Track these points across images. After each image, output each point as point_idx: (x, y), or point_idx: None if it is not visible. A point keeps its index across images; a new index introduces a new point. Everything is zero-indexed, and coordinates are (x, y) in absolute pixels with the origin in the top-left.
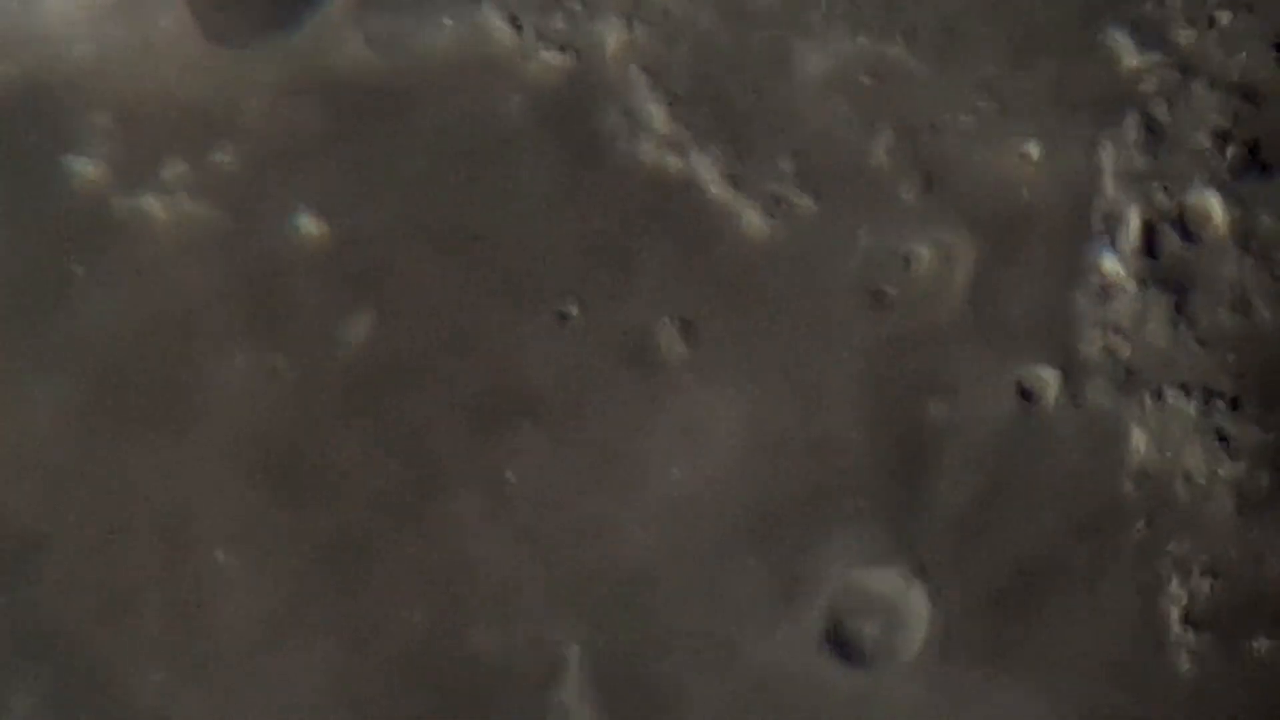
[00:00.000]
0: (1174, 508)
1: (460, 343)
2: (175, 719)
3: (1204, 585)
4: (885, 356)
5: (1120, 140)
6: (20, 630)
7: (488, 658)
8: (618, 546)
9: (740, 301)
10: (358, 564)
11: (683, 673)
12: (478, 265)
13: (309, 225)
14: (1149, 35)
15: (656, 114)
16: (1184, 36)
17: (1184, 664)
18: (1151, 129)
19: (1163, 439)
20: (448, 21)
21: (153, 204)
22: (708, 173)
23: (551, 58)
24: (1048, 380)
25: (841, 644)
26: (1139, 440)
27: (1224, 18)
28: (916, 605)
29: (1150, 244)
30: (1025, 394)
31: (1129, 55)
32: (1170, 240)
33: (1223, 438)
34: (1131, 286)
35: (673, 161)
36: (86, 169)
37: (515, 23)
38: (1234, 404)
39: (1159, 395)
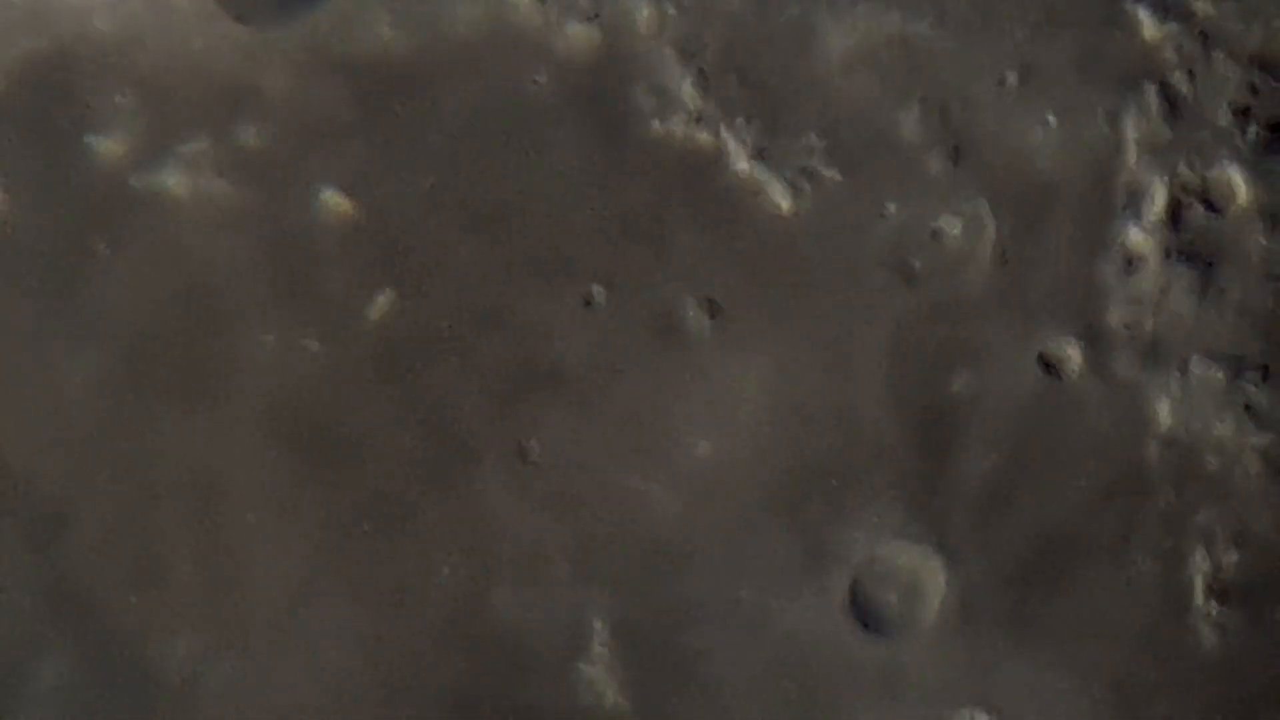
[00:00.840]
0: (1200, 478)
1: (487, 317)
2: (205, 684)
3: (1229, 555)
4: (912, 329)
5: (1142, 112)
6: (52, 597)
7: (515, 625)
8: (644, 517)
9: (768, 276)
10: (385, 533)
11: (708, 641)
12: (505, 241)
13: (335, 202)
14: (1168, 6)
15: (685, 90)
16: (1202, 8)
17: (1208, 633)
18: (1171, 101)
19: (1188, 409)
20: None
21: (175, 180)
22: (736, 148)
23: (579, 33)
24: (1072, 352)
25: (865, 613)
26: (1164, 411)
27: None
28: (939, 575)
29: (1174, 217)
30: (1050, 366)
31: (1149, 26)
32: (1194, 213)
33: (1249, 407)
34: (1156, 258)
35: (701, 137)
36: (110, 146)
37: None
38: (1264, 373)
39: (1184, 366)
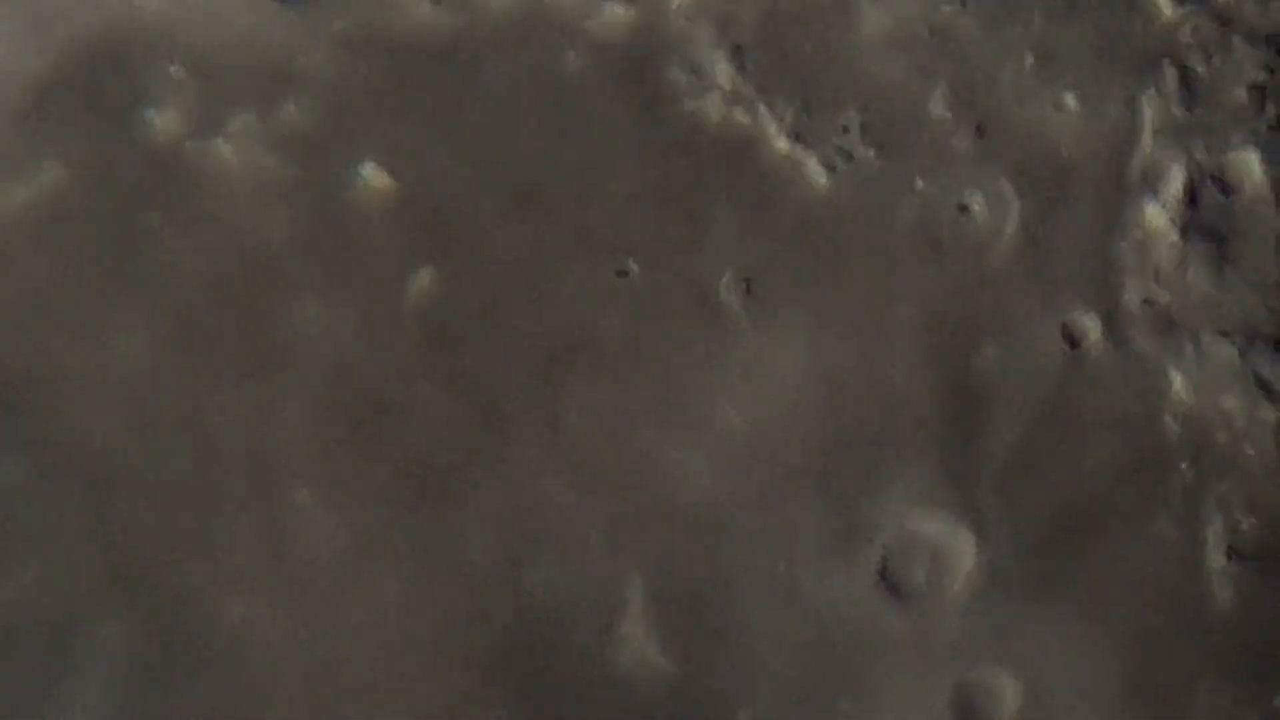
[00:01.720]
0: (1214, 447)
1: (525, 293)
2: (256, 649)
3: (1246, 523)
4: (941, 302)
5: (1160, 93)
6: (106, 561)
7: (553, 594)
8: (678, 488)
9: (802, 253)
10: (429, 501)
11: (742, 608)
12: (542, 218)
13: (376, 178)
14: None
15: (721, 69)
16: None
17: (1227, 596)
18: (1189, 82)
19: (1202, 382)
20: None
21: (225, 154)
22: (772, 127)
23: (615, 12)
24: (1091, 326)
25: (896, 581)
26: (1179, 384)
27: None
28: (966, 544)
29: (1191, 197)
30: (1070, 339)
31: (1167, 8)
32: (1211, 193)
33: (1262, 382)
34: (1173, 236)
35: (737, 116)
36: (164, 119)
37: None
38: (1276, 347)
39: (1198, 340)
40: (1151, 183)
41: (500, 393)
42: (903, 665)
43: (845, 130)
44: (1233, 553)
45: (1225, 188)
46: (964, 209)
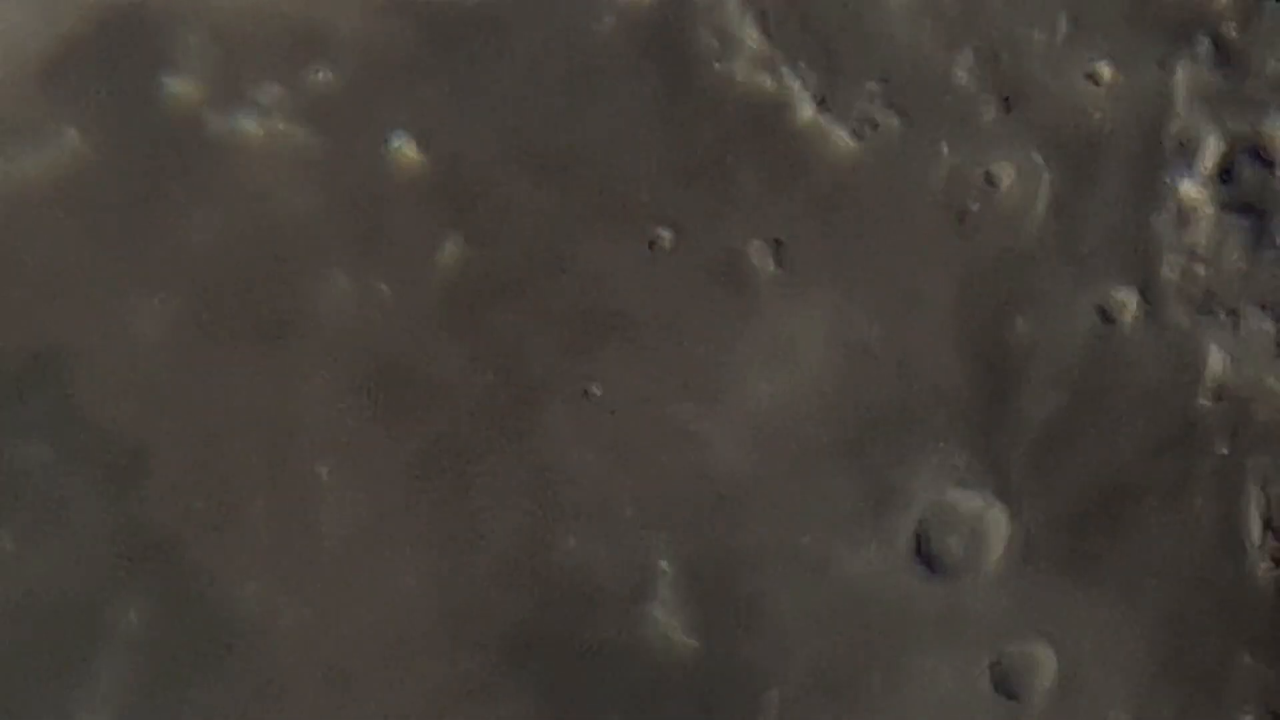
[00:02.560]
0: (1252, 425)
1: (554, 262)
2: (277, 625)
3: None
4: (971, 274)
5: (1194, 62)
6: (127, 540)
7: (580, 569)
8: (708, 460)
9: (830, 221)
10: (454, 476)
11: (773, 583)
12: (571, 186)
13: (405, 147)
14: None
15: (748, 34)
16: None
17: (1264, 573)
18: (1223, 50)
19: (1239, 358)
20: None
21: (249, 124)
22: (799, 94)
23: None
24: (1126, 301)
25: (928, 557)
26: (1216, 359)
27: None
28: (1000, 520)
29: (1227, 169)
30: (1105, 314)
31: None
32: (1246, 164)
33: None
34: (1209, 209)
35: (764, 83)
36: (185, 88)
37: None
38: None
39: (1236, 315)
40: (1186, 154)
41: (529, 365)
42: (936, 641)
43: (871, 97)
44: (1270, 529)
45: (1261, 158)
46: (992, 179)
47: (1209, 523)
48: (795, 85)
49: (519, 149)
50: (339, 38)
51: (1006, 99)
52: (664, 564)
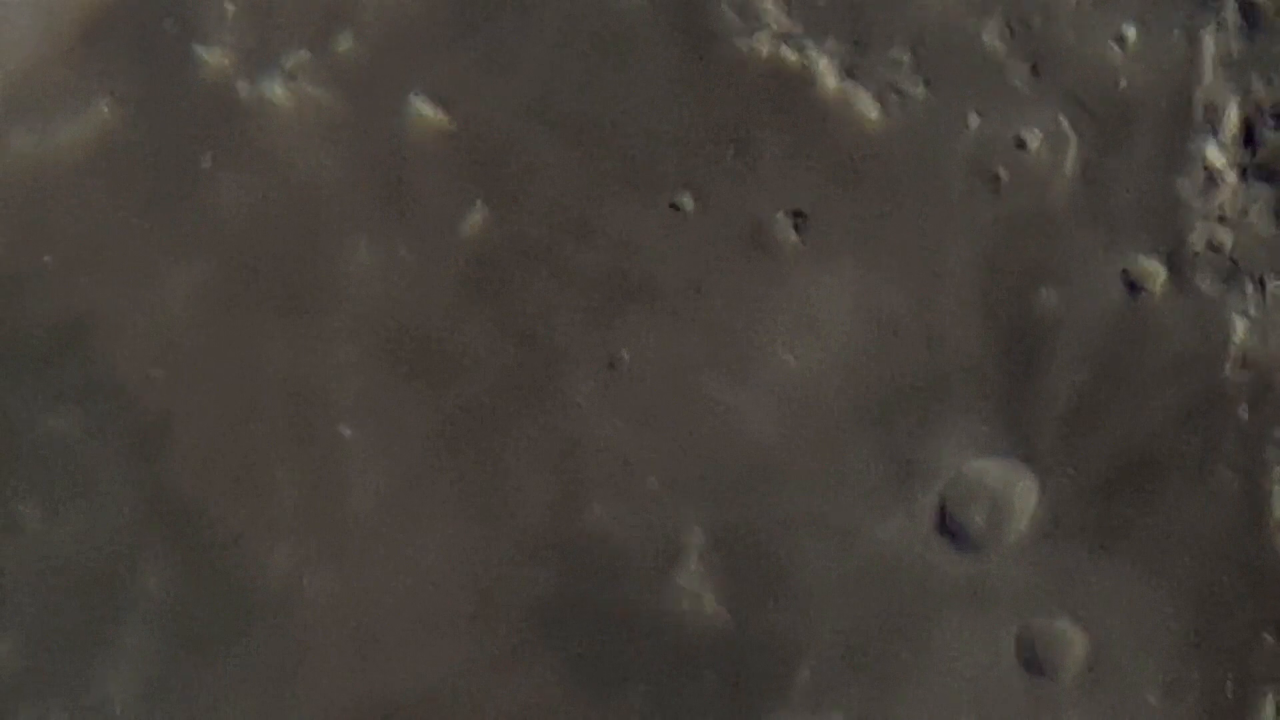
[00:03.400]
0: (1278, 394)
1: (578, 229)
2: (303, 591)
3: None
4: (997, 242)
5: (1219, 27)
6: (154, 506)
7: (607, 538)
8: (734, 430)
9: (855, 189)
10: (481, 442)
11: (799, 552)
12: (596, 154)
13: (430, 113)
14: None
15: (773, 4)
16: None
17: None
18: (1249, 15)
19: (1265, 327)
20: None
21: (277, 91)
22: (824, 62)
23: None
24: (1153, 269)
25: (953, 527)
26: (1242, 328)
27: None
28: (1026, 490)
29: (1250, 135)
30: (1131, 283)
31: None
32: (1270, 130)
33: None
34: (1233, 176)
35: (789, 52)
36: (214, 57)
37: None
38: None
39: (1261, 284)
40: (1212, 120)
41: (554, 332)
42: (964, 613)
43: (898, 65)
44: None
45: None
46: (1020, 144)
47: (1235, 495)
48: (820, 54)
49: (544, 115)
50: (366, 4)
51: (1034, 64)
52: (692, 533)
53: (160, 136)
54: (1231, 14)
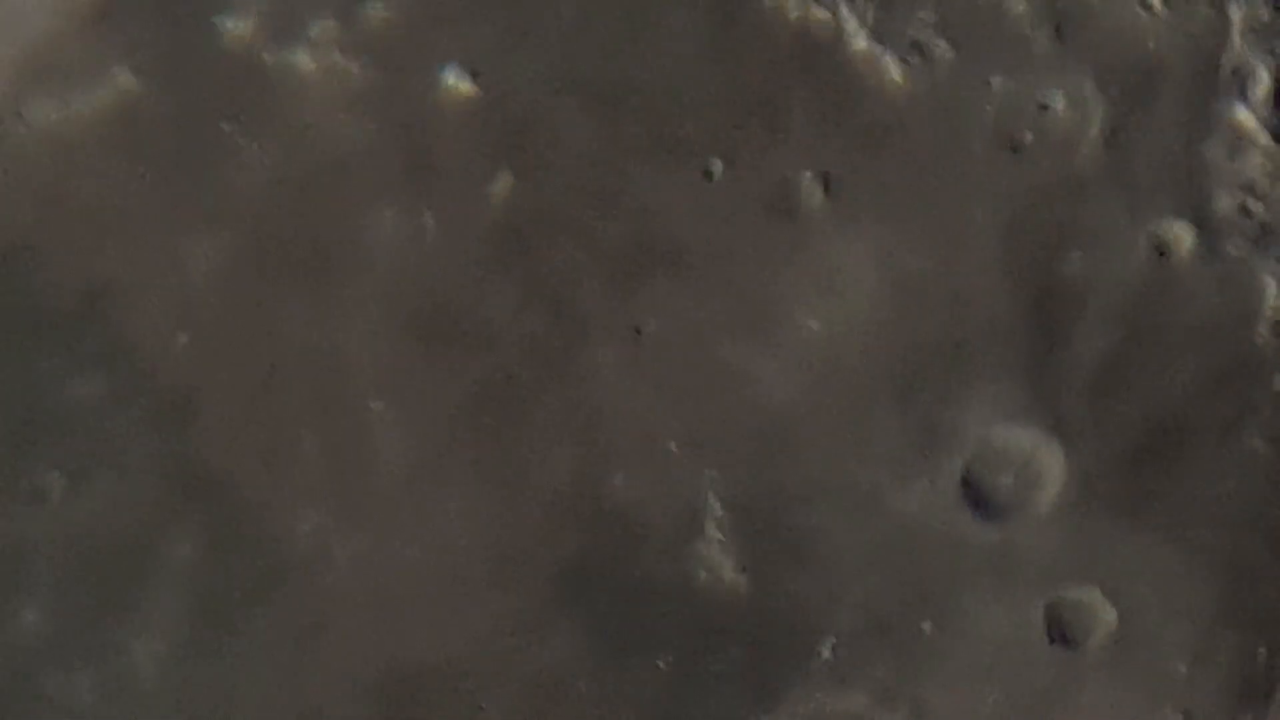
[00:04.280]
0: None
1: (604, 196)
2: (329, 558)
3: None
4: (1023, 206)
5: None
6: (179, 477)
7: (630, 506)
8: (757, 396)
9: (881, 152)
10: (504, 411)
11: (821, 520)
12: (623, 119)
13: (457, 81)
14: None
15: None
16: None
17: None
18: None
19: None
20: None
21: (303, 60)
22: (851, 24)
23: None
24: (1181, 234)
25: (978, 494)
26: (1273, 292)
27: None
28: (1053, 458)
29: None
30: (1159, 247)
31: None
32: None
33: None
34: (1263, 140)
35: (816, 14)
36: (238, 25)
37: None
38: None
39: None
40: (1240, 84)
41: (579, 300)
42: (990, 584)
43: (923, 27)
44: None
45: None
46: (1045, 108)
47: (1264, 462)
48: (847, 15)
49: (569, 81)
50: None
51: (1058, 27)
52: (713, 502)
53: (183, 105)
54: None
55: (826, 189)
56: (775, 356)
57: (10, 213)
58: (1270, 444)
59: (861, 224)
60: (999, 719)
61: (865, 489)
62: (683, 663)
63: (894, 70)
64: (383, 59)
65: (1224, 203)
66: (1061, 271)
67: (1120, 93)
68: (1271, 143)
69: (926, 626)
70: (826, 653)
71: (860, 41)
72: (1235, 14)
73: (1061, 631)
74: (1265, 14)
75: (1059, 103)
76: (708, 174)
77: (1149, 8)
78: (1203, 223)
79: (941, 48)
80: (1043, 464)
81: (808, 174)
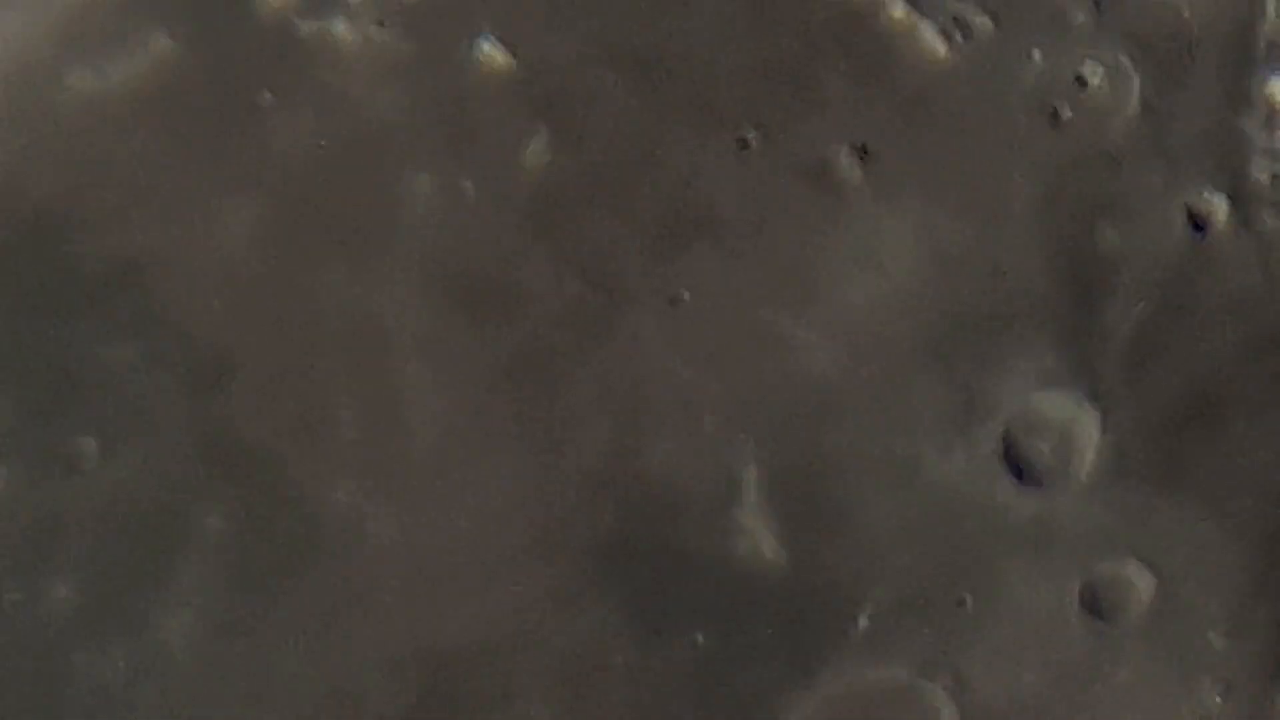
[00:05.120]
0: None
1: (641, 166)
2: (365, 530)
3: None
4: (1060, 178)
5: None
6: (213, 446)
7: (667, 475)
8: (795, 366)
9: (919, 124)
10: (542, 381)
11: (860, 490)
12: (659, 89)
13: (492, 50)
14: None
15: None
16: None
17: None
18: None
19: None
20: None
21: (339, 28)
22: None
23: None
24: (1217, 205)
25: (1017, 465)
26: None
27: None
28: (1090, 427)
29: None
30: (1195, 219)
31: None
32: None
33: None
34: None
35: None
36: None
37: None
38: None
39: None
40: (1277, 56)
41: (616, 270)
42: (1028, 554)
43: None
44: None
45: None
46: (1082, 81)
47: None
48: None
49: (606, 50)
50: None
51: (1096, 1)
52: (750, 471)
53: (218, 74)
54: None
55: (864, 160)
56: (813, 326)
57: (46, 179)
58: None
59: (899, 194)
60: (1037, 691)
61: (904, 459)
62: (721, 636)
63: (933, 42)
64: (419, 29)
65: (1260, 174)
66: (1097, 242)
67: (1157, 65)
68: None
69: (967, 600)
70: (864, 624)
71: (898, 12)
72: None
73: (1098, 604)
74: None
75: (1097, 76)
76: (744, 143)
77: None
78: (1238, 194)
79: (981, 19)
80: (1079, 431)
81: (845, 145)
